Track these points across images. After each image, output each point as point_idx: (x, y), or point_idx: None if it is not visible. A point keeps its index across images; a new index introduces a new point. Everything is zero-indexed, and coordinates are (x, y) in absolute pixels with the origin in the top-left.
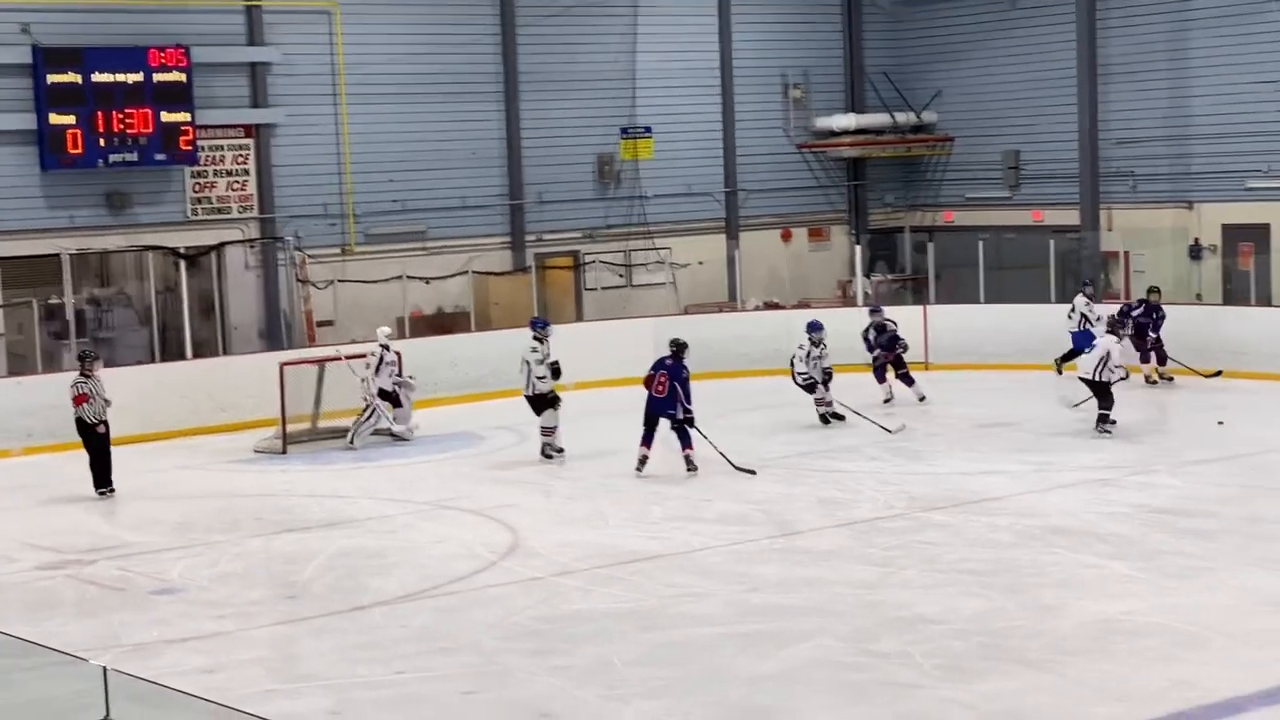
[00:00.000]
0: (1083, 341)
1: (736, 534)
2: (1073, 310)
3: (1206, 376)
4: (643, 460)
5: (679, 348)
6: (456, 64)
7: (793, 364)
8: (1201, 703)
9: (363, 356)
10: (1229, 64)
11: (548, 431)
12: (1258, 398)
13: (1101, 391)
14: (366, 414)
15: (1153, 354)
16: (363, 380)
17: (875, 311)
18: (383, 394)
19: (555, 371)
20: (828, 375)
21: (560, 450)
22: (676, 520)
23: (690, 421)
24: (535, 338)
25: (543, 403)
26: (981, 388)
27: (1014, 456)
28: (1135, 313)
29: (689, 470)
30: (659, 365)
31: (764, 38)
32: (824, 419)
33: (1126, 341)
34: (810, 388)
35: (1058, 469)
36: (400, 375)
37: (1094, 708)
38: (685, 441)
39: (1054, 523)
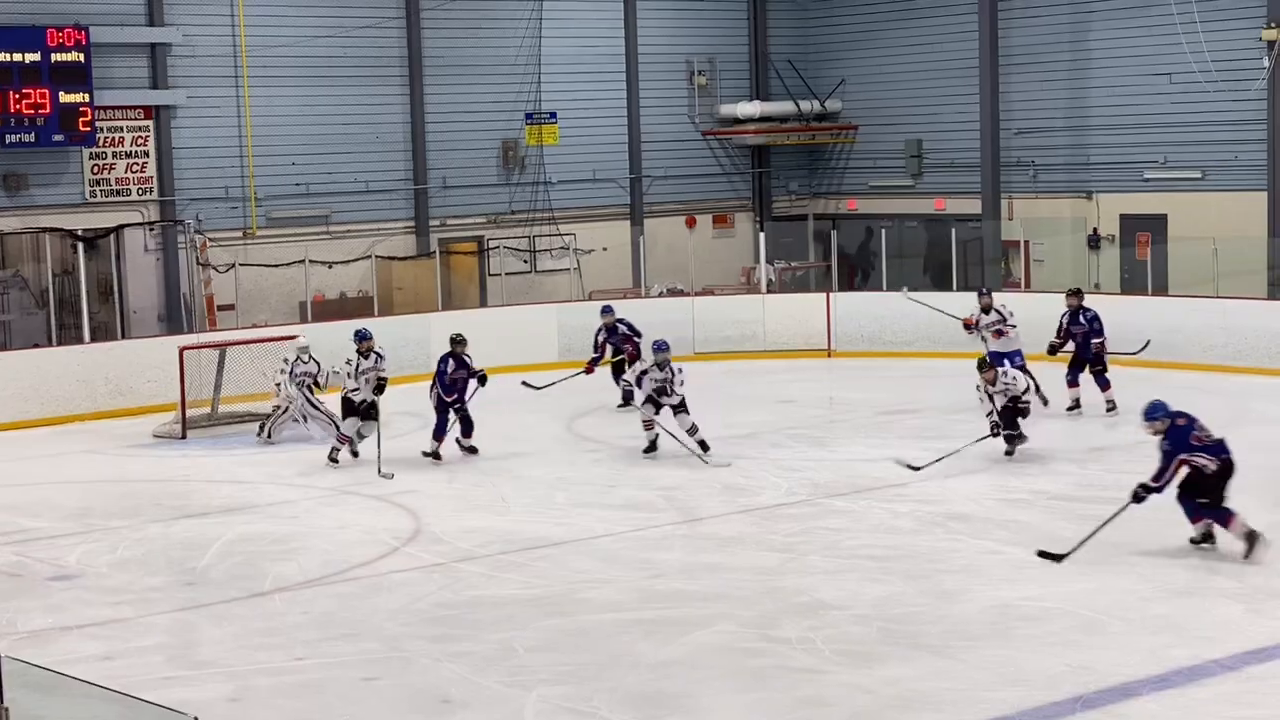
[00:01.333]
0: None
1: (640, 520)
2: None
3: (1137, 353)
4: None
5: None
6: (361, 47)
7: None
8: (1098, 686)
9: (288, 339)
10: (1127, 56)
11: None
12: (1154, 386)
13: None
14: (281, 411)
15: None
16: (277, 384)
17: (606, 311)
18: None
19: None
20: (656, 399)
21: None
22: (580, 506)
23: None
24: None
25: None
26: (883, 375)
27: (915, 443)
28: (1068, 323)
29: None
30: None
31: (669, 23)
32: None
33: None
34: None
35: (958, 456)
36: (314, 378)
37: (992, 692)
38: (467, 430)
39: (955, 509)
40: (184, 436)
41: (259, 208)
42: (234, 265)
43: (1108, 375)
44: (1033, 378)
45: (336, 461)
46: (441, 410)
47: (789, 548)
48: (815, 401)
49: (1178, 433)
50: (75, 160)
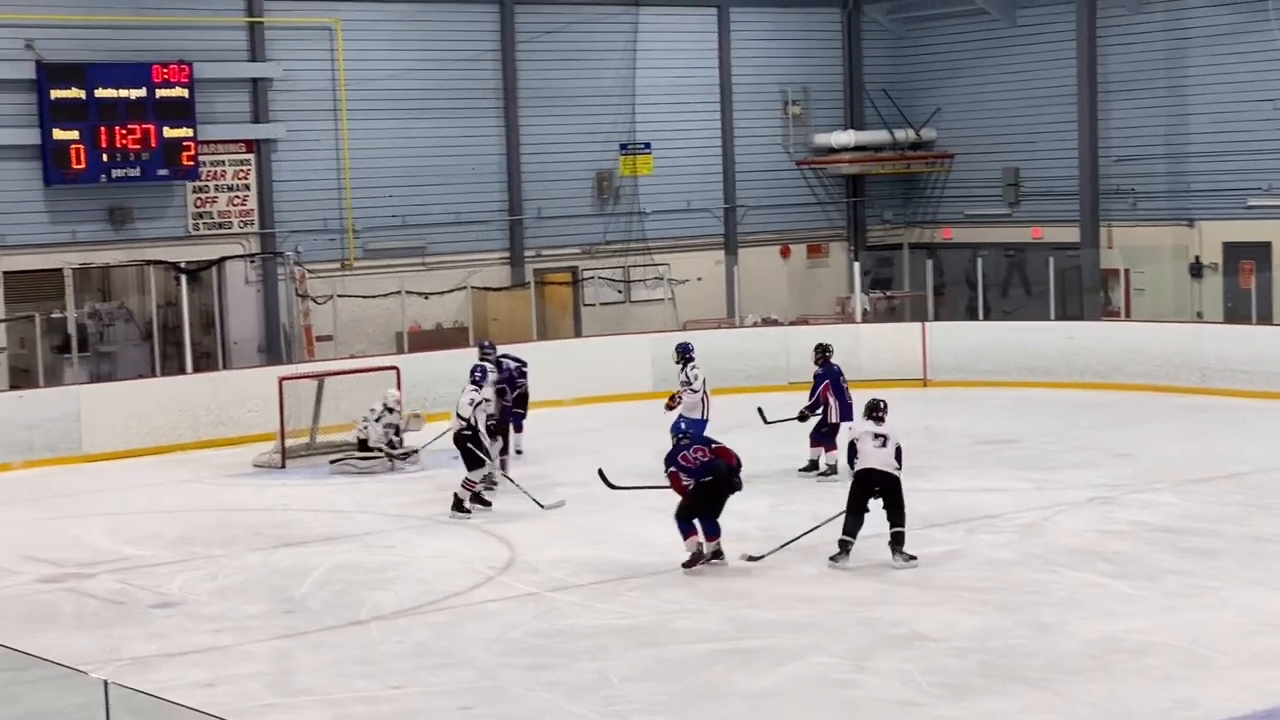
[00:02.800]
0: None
1: (734, 550)
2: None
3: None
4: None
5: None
6: (457, 79)
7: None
8: None
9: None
10: (1228, 82)
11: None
12: (1257, 416)
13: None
14: (367, 457)
15: None
16: (362, 427)
17: (487, 350)
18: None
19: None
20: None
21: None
22: (674, 536)
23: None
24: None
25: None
26: (979, 405)
27: (1013, 473)
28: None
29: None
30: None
31: (764, 53)
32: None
33: None
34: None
35: (1058, 486)
36: (397, 428)
37: None
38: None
39: (1054, 540)
40: (283, 466)
41: (357, 239)
42: (332, 296)
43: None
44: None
45: (468, 512)
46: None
47: (884, 578)
48: (911, 431)
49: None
50: (179, 194)
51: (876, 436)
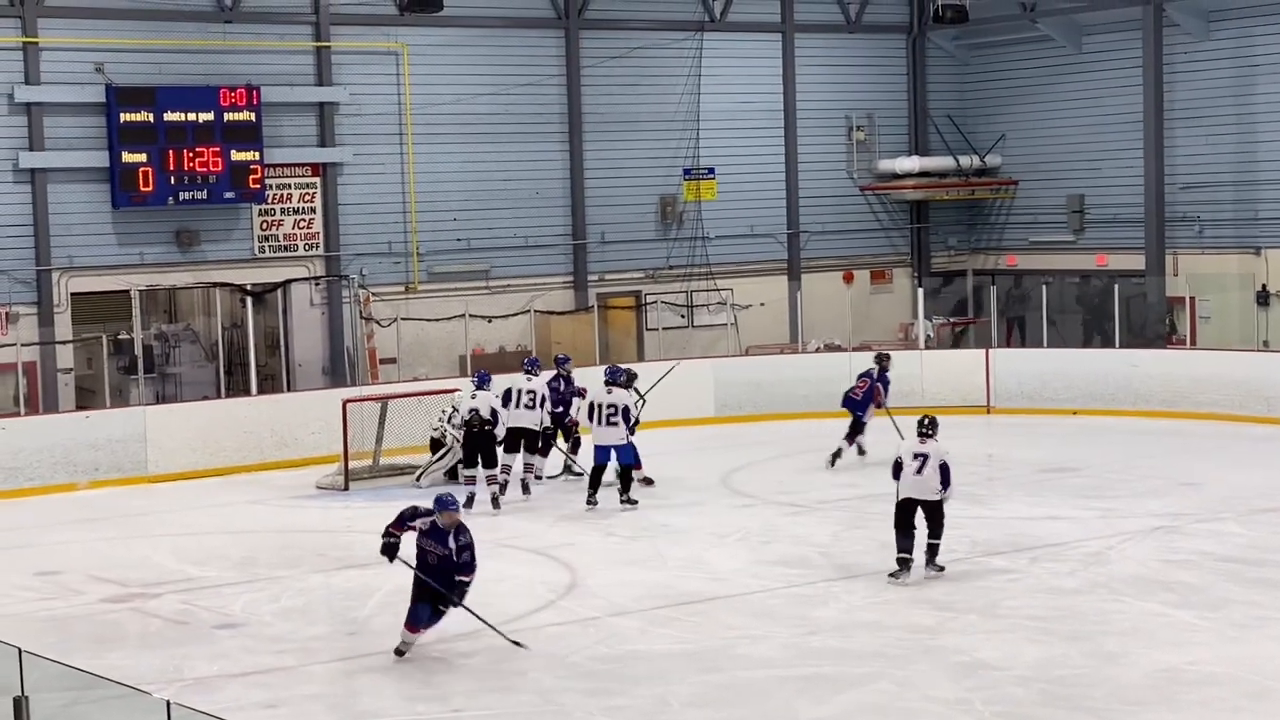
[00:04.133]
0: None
1: (796, 576)
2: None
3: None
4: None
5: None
6: (521, 104)
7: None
8: None
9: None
10: None
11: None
12: None
13: (939, 516)
14: (441, 454)
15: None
16: (438, 426)
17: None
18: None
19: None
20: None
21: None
22: (735, 561)
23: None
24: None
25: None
26: (1044, 432)
27: (1077, 502)
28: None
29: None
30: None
31: (828, 78)
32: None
33: None
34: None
35: (1122, 515)
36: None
37: None
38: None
39: (1118, 570)
40: (346, 488)
41: (421, 263)
42: (396, 319)
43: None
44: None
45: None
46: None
47: (947, 606)
48: (974, 459)
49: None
50: (245, 216)
51: (916, 457)
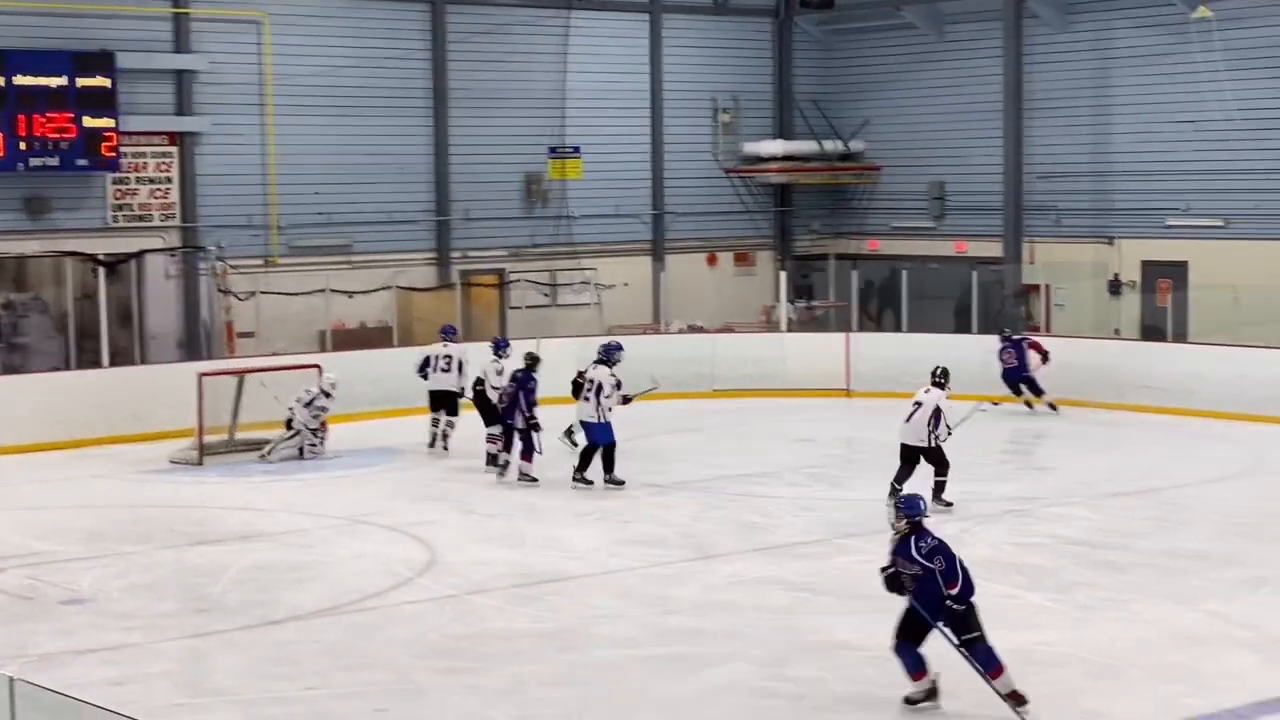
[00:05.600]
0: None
1: (654, 556)
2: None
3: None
4: (491, 458)
5: (531, 361)
6: (386, 78)
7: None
8: None
9: (307, 367)
10: (1151, 102)
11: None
12: (1172, 433)
13: (937, 457)
14: (291, 433)
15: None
16: (292, 407)
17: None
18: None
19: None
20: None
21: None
22: (594, 541)
23: (535, 428)
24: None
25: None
26: (902, 415)
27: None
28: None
29: (520, 480)
30: (511, 378)
31: (694, 60)
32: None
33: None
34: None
35: (976, 499)
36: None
37: None
38: (525, 451)
39: (971, 552)
40: (200, 463)
41: (281, 236)
42: (254, 293)
43: None
44: None
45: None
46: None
47: (804, 587)
48: (833, 441)
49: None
50: (98, 185)
51: (916, 404)
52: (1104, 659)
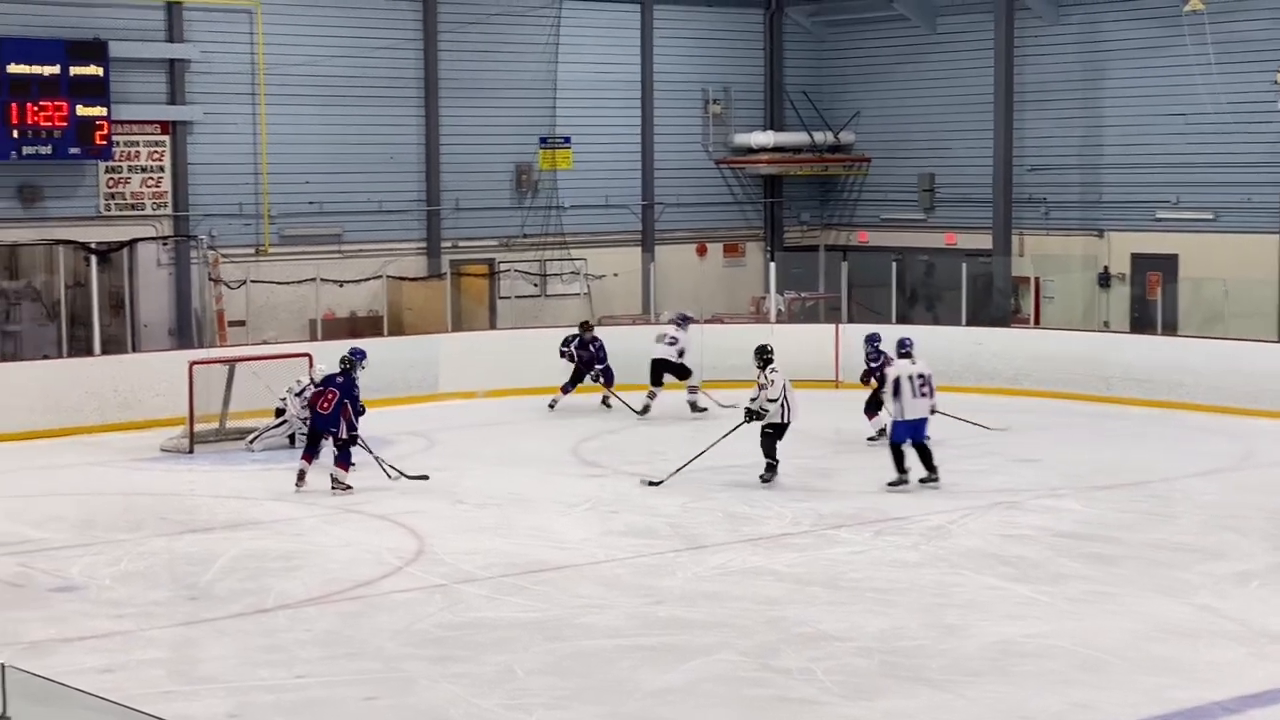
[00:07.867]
0: None
1: (643, 546)
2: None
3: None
4: (301, 475)
5: (347, 365)
6: (377, 68)
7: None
8: None
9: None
10: (1142, 95)
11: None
12: (1161, 425)
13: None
14: (279, 421)
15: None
16: (284, 397)
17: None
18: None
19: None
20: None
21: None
22: (583, 531)
23: (354, 440)
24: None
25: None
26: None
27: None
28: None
29: (333, 489)
30: (327, 381)
31: (685, 52)
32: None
33: None
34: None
35: (964, 490)
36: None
37: None
38: (342, 460)
39: (959, 544)
40: (191, 451)
41: (272, 225)
42: (246, 281)
43: None
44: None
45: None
46: None
47: (791, 578)
48: (822, 432)
49: None
50: (91, 174)
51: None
52: (1091, 651)
